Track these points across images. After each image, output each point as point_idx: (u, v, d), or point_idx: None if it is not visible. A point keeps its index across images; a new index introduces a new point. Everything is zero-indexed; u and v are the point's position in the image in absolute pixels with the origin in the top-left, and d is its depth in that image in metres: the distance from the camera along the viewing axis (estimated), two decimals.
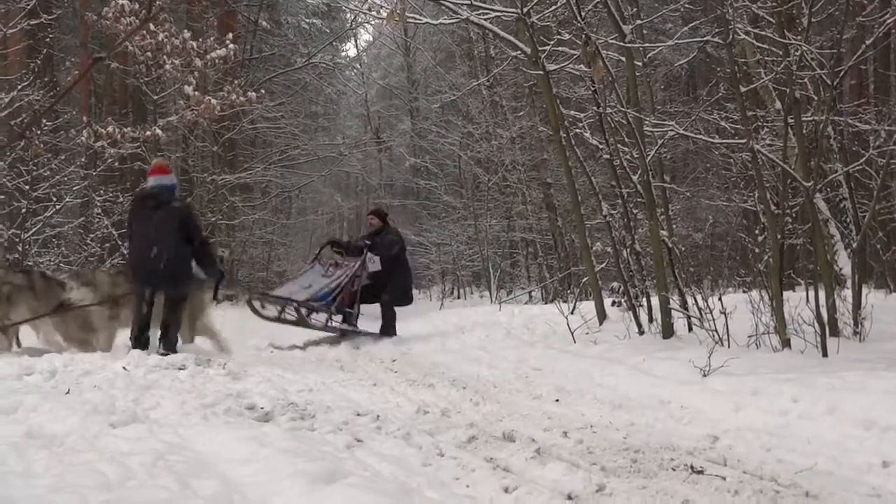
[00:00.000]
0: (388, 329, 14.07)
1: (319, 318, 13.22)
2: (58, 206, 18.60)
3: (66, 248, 18.99)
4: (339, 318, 13.51)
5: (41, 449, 4.78)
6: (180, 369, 8.58)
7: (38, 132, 16.88)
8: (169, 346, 10.26)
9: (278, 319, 13.08)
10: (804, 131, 9.62)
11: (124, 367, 8.39)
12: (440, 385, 8.42)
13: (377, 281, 13.91)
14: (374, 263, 13.88)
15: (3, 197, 16.88)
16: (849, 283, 9.82)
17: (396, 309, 14.39)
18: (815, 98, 10.59)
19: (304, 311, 12.87)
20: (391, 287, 14.17)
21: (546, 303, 21.11)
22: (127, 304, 10.82)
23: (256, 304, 13.35)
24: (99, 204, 19.45)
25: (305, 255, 37.54)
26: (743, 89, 9.91)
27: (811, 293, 8.81)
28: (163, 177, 11.09)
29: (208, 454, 4.84)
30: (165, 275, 10.55)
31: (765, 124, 12.64)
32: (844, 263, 11.24)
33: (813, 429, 5.75)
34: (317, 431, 5.77)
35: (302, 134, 33.66)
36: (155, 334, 10.37)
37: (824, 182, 9.99)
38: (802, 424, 5.88)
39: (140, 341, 10.33)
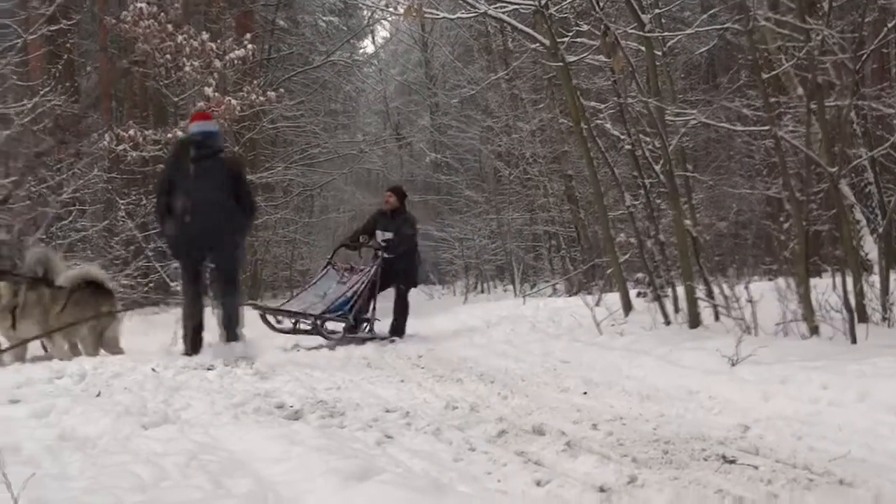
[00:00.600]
0: (398, 326, 13.93)
1: (337, 327, 13.04)
2: (82, 210, 18.68)
3: (91, 251, 19.05)
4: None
5: (75, 451, 4.80)
6: (208, 370, 8.61)
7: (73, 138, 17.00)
8: (234, 335, 9.81)
9: (294, 331, 12.87)
10: (827, 117, 9.57)
11: (153, 369, 8.43)
12: (468, 380, 8.42)
13: (389, 267, 13.69)
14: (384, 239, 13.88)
15: (28, 202, 16.95)
16: (876, 268, 9.78)
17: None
18: (838, 83, 10.53)
19: (319, 323, 12.62)
20: (404, 273, 14.06)
21: (570, 295, 21.07)
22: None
23: (270, 318, 13.11)
24: (122, 207, 19.51)
25: (328, 253, 37.62)
26: (764, 76, 9.87)
27: (838, 279, 8.77)
28: (206, 123, 10.17)
29: (240, 453, 4.85)
30: (221, 238, 9.72)
31: (787, 111, 12.57)
32: (871, 249, 11.20)
33: (844, 416, 5.72)
34: (347, 429, 5.77)
35: (322, 132, 33.73)
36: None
37: (849, 167, 9.94)
38: (833, 412, 5.86)
39: (196, 344, 9.70)
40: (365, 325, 13.63)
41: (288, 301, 14.49)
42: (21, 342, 9.44)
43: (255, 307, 12.86)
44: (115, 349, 10.57)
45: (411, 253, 14.29)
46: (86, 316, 10.16)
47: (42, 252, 10.87)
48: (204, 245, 9.76)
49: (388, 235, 13.93)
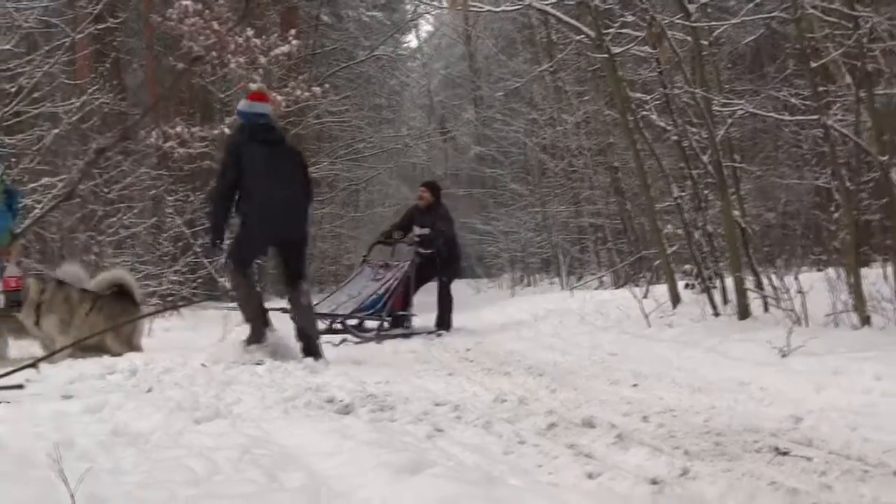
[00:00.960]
0: (443, 319, 13.85)
1: (372, 325, 13.04)
2: (131, 207, 18.83)
3: (139, 248, 19.20)
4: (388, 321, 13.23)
5: (128, 446, 4.84)
6: (258, 364, 8.67)
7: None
8: (317, 350, 9.44)
9: (330, 331, 12.65)
10: (877, 105, 9.49)
11: (203, 364, 8.49)
12: (516, 373, 8.42)
13: (428, 261, 13.75)
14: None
15: (78, 200, 17.10)
16: None
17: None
18: (888, 70, 10.44)
19: (350, 323, 12.67)
20: (445, 266, 14.06)
21: (617, 288, 21.02)
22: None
23: None
24: (170, 204, 19.65)
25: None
26: (812, 65, 9.81)
27: (889, 269, 8.70)
28: (266, 105, 9.61)
29: (292, 447, 4.87)
30: (301, 234, 9.58)
31: (835, 99, 12.47)
32: None
33: None
34: (397, 422, 5.79)
35: (367, 127, 33.82)
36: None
37: None
38: (887, 402, 5.81)
39: (260, 333, 9.36)
40: (404, 322, 13.57)
41: (320, 302, 14.07)
42: (58, 350, 9.45)
43: (284, 311, 12.82)
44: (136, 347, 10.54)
45: (451, 245, 14.31)
46: (110, 320, 10.17)
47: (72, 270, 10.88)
48: (279, 242, 9.53)
49: (425, 231, 13.93)
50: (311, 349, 9.34)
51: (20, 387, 6.91)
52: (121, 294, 10.52)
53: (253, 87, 10.00)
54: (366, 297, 12.99)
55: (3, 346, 10.02)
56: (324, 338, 12.48)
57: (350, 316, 12.64)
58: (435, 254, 13.76)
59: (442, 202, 14.74)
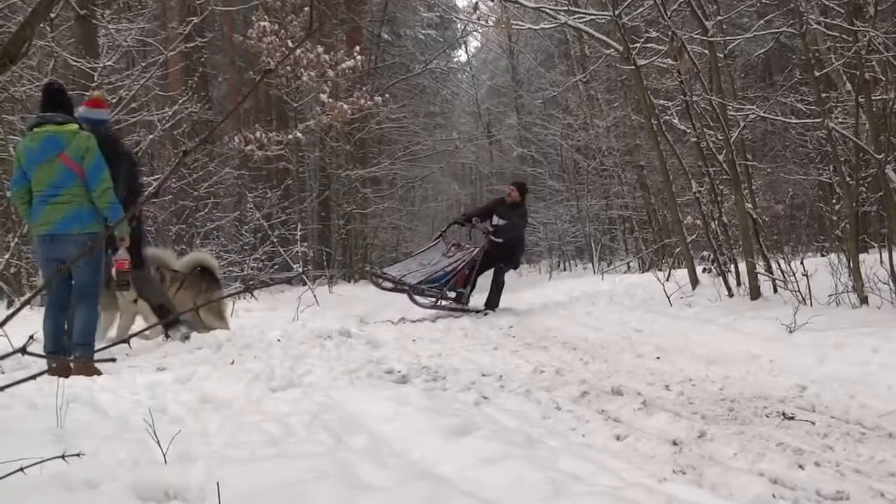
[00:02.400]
0: (494, 299, 13.56)
1: (429, 296, 12.90)
2: (217, 203, 19.01)
3: (224, 238, 19.36)
4: (452, 295, 13.09)
5: (214, 412, 4.89)
6: (327, 338, 8.72)
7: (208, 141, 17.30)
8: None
9: (395, 289, 12.83)
10: (874, 109, 9.39)
11: (279, 340, 8.55)
12: (553, 347, 8.40)
13: (494, 249, 13.41)
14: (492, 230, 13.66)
15: (171, 196, 17.26)
16: None
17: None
18: (884, 78, 10.31)
19: (414, 292, 12.52)
20: (507, 255, 13.70)
21: (643, 272, 20.93)
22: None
23: (377, 279, 13.19)
24: (251, 199, 19.79)
25: (429, 237, 37.73)
26: (816, 74, 9.71)
27: (885, 255, 8.61)
28: (104, 111, 8.69)
29: (356, 413, 4.89)
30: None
31: (837, 104, 12.36)
32: None
33: (893, 377, 5.61)
34: (448, 391, 5.80)
35: (422, 131, 34.02)
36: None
37: (894, 154, 9.71)
38: (883, 373, 5.75)
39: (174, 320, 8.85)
40: (461, 298, 13.26)
41: (395, 264, 14.43)
42: (152, 325, 9.48)
43: (364, 272, 12.78)
44: (222, 324, 10.56)
45: (518, 240, 14.11)
46: (196, 296, 10.21)
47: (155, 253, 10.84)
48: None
49: (502, 222, 13.60)
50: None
51: (113, 360, 6.97)
52: (203, 273, 10.59)
53: (93, 94, 9.31)
54: (433, 272, 12.86)
55: (105, 325, 10.03)
56: (385, 314, 12.62)
57: (415, 287, 12.51)
58: (503, 244, 13.46)
59: (525, 201, 14.39)
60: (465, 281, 13.22)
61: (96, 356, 6.99)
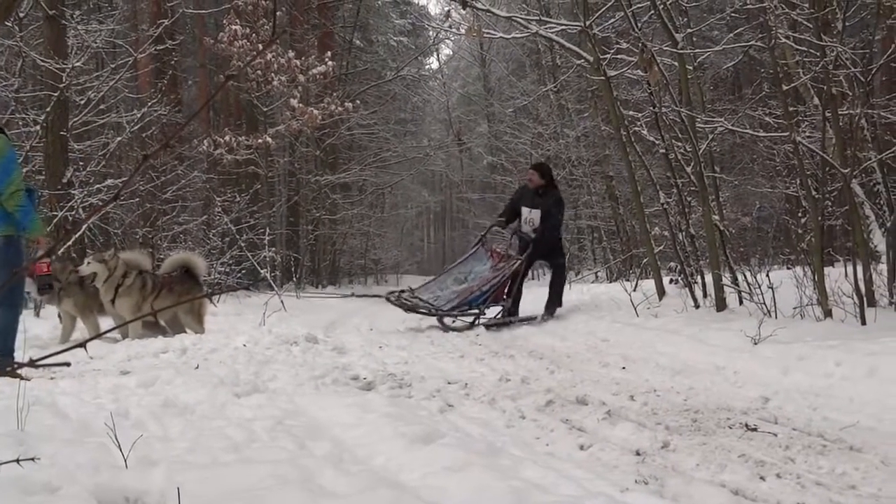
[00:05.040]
0: (554, 302, 12.38)
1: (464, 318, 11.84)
2: (184, 206, 18.93)
3: (191, 242, 19.27)
4: (493, 309, 12.10)
5: (177, 416, 4.86)
6: (294, 344, 8.69)
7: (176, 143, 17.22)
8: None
9: (427, 314, 11.70)
10: (840, 124, 9.48)
11: (244, 345, 8.51)
12: (519, 356, 8.41)
13: (536, 249, 12.23)
14: (530, 224, 12.20)
15: (137, 199, 17.16)
16: (884, 258, 9.66)
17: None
18: (850, 93, 10.41)
19: (446, 320, 11.43)
20: (552, 250, 12.64)
21: (611, 282, 21.02)
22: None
23: (405, 304, 11.75)
24: (219, 203, 19.72)
25: (398, 243, 37.74)
26: (784, 87, 9.77)
27: (850, 268, 8.67)
28: None
29: (321, 419, 4.89)
30: None
31: (804, 118, 12.46)
32: (879, 241, 11.03)
33: (855, 390, 5.68)
34: (413, 398, 5.80)
35: (392, 138, 34.21)
36: None
37: (860, 168, 9.80)
38: (845, 386, 5.81)
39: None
40: (507, 311, 12.12)
41: (429, 282, 12.83)
42: (121, 325, 9.42)
43: (388, 300, 11.80)
44: (198, 327, 10.44)
45: (555, 230, 12.66)
46: (175, 301, 10.13)
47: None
48: None
49: (535, 213, 12.22)
50: None
51: (67, 364, 6.84)
52: (186, 274, 10.52)
53: None
54: (469, 291, 11.73)
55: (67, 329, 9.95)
56: (352, 321, 12.43)
57: (447, 314, 11.50)
58: (540, 239, 12.18)
59: (555, 185, 12.98)
60: (506, 292, 12.18)
61: (55, 359, 6.86)
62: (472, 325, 11.62)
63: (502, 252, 12.52)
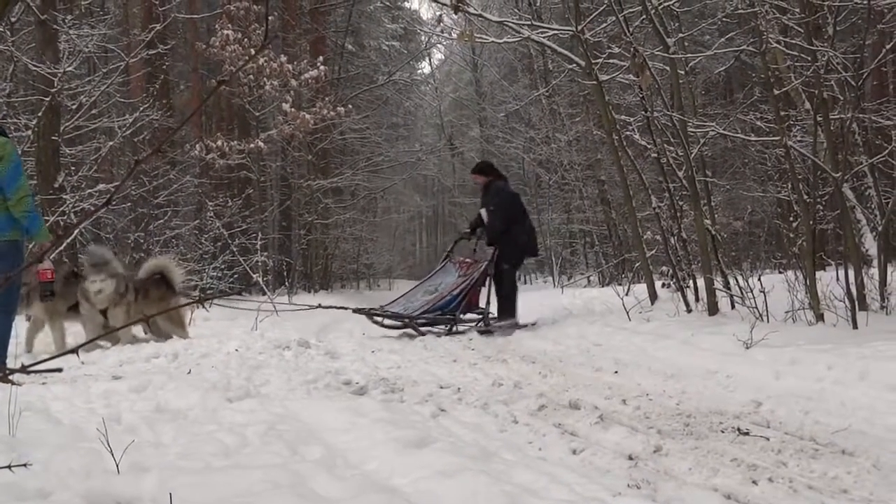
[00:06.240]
0: (504, 309, 12.07)
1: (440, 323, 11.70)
2: (176, 211, 18.92)
3: (183, 247, 19.26)
4: (469, 317, 12.02)
5: (169, 422, 4.85)
6: (286, 348, 8.69)
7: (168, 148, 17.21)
8: None
9: (401, 327, 11.61)
10: (832, 128, 9.49)
11: (237, 349, 8.50)
12: (512, 360, 8.41)
13: (502, 245, 11.94)
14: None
15: (129, 204, 17.15)
16: (875, 262, 9.68)
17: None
18: (841, 98, 10.45)
19: (419, 324, 11.37)
20: (506, 249, 12.02)
21: (603, 286, 21.06)
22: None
23: (378, 319, 11.66)
24: (211, 208, 19.71)
25: (390, 248, 37.78)
26: (776, 92, 9.80)
27: (841, 272, 8.68)
28: None
29: (313, 424, 4.88)
30: None
31: (796, 123, 12.50)
32: (871, 245, 11.07)
33: (846, 393, 5.67)
34: (406, 403, 5.79)
35: (384, 142, 34.20)
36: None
37: (851, 173, 9.85)
38: (837, 390, 5.81)
39: None
40: (486, 317, 12.06)
41: (398, 297, 12.57)
42: (109, 331, 9.37)
43: (357, 311, 11.75)
44: (181, 332, 10.37)
45: (505, 222, 12.05)
46: (153, 304, 10.11)
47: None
48: None
49: (484, 212, 12.23)
50: None
51: (59, 370, 6.84)
52: (161, 280, 10.45)
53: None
54: (442, 294, 11.66)
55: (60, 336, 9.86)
56: (345, 326, 12.37)
57: (419, 317, 11.42)
58: (491, 238, 12.05)
59: (498, 180, 12.60)
60: (479, 298, 12.11)
61: (43, 366, 6.84)
62: (450, 331, 11.56)
63: (470, 260, 12.42)
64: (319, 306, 10.03)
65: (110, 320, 9.62)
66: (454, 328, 11.68)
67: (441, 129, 47.64)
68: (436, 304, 11.64)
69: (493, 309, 12.30)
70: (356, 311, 11.68)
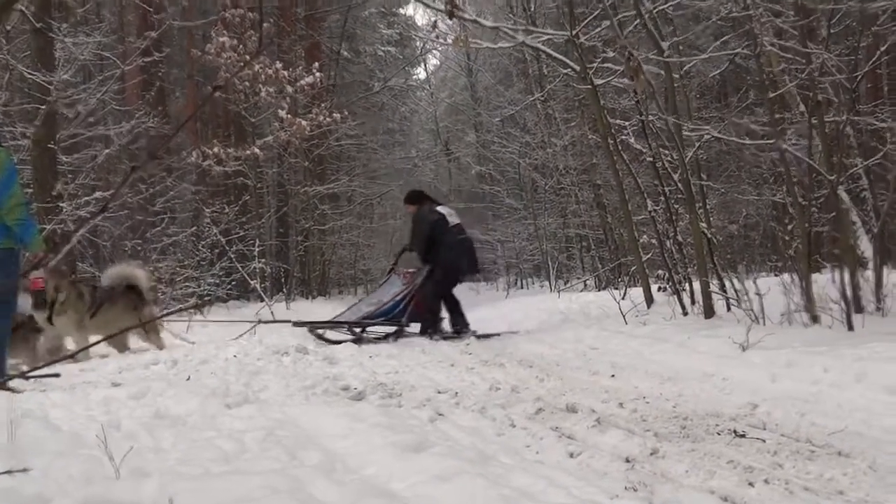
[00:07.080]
0: (426, 324, 11.97)
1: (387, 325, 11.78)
2: (173, 218, 18.93)
3: (181, 254, 19.26)
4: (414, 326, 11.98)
5: (168, 428, 4.85)
6: (284, 354, 8.70)
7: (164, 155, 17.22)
8: None
9: (357, 340, 11.29)
10: (826, 130, 9.53)
11: (235, 356, 8.51)
12: (509, 364, 8.41)
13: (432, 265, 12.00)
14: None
15: (126, 211, 17.15)
16: (870, 264, 9.70)
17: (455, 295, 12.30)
18: (836, 100, 10.47)
19: (358, 329, 11.58)
20: (434, 268, 12.05)
21: (599, 290, 21.07)
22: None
23: (320, 331, 11.51)
24: (208, 215, 19.72)
25: (387, 254, 37.79)
26: (770, 95, 9.83)
27: (837, 274, 8.70)
28: None
29: (311, 429, 4.88)
30: None
31: (791, 125, 12.52)
32: (866, 247, 11.11)
33: (843, 395, 5.68)
34: (403, 408, 5.79)
35: (381, 148, 34.27)
36: None
37: (846, 175, 9.89)
38: (833, 392, 5.82)
39: None
40: (429, 328, 11.98)
41: (343, 311, 12.70)
42: (86, 346, 9.22)
43: (297, 324, 11.78)
44: (156, 340, 10.26)
45: (422, 241, 12.16)
46: (122, 313, 9.93)
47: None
48: None
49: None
50: None
51: (57, 375, 6.87)
52: (129, 288, 10.23)
53: None
54: (382, 305, 11.81)
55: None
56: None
57: (366, 323, 11.64)
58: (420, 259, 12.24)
59: (422, 208, 12.51)
60: (427, 308, 12.04)
61: (41, 371, 6.87)
62: (392, 337, 11.51)
63: (413, 270, 12.48)
64: (259, 322, 10.10)
65: (57, 327, 9.38)
66: (402, 333, 11.71)
67: (437, 134, 47.66)
68: (379, 310, 11.78)
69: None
70: (296, 324, 11.66)
